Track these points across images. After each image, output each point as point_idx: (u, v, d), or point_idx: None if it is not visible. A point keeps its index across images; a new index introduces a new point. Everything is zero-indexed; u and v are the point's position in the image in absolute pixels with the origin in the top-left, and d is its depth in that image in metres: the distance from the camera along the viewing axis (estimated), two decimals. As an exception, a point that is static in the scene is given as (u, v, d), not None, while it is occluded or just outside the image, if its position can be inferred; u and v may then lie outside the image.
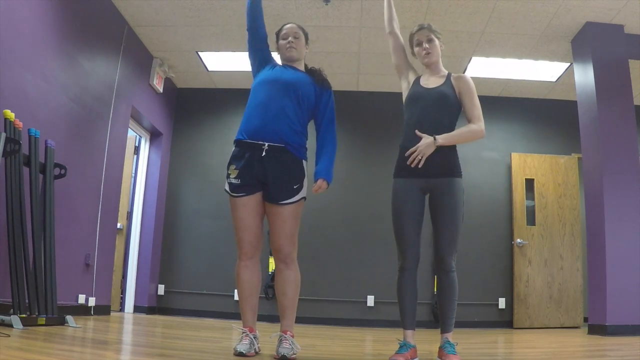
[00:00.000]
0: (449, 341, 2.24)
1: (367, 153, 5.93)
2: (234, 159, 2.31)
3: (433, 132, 2.27)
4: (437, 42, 2.44)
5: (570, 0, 4.19)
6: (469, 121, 2.38)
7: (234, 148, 2.34)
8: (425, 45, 2.42)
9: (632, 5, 4.22)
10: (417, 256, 2.32)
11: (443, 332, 2.29)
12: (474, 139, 2.37)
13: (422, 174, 2.28)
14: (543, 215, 5.65)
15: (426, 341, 3.40)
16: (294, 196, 2.29)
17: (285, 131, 2.28)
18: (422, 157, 2.25)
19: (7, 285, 2.94)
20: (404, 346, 2.23)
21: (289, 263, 2.33)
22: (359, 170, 5.84)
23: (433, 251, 2.34)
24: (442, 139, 2.26)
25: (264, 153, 2.25)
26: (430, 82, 2.43)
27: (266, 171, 2.25)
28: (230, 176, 2.29)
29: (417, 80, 2.47)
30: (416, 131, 2.27)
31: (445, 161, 2.29)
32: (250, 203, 2.29)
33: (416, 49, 2.47)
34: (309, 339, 3.36)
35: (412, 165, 2.27)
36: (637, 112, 4.64)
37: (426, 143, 2.24)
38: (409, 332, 2.29)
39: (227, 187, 2.32)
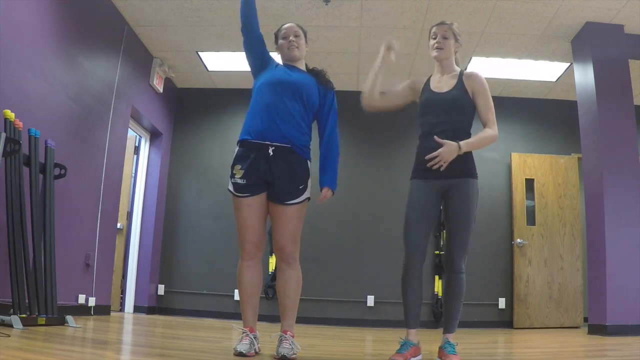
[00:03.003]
0: (449, 341, 2.24)
1: (367, 153, 5.92)
2: (238, 159, 2.31)
3: (453, 138, 2.24)
4: (452, 41, 2.40)
5: (570, 0, 4.19)
6: (484, 125, 2.36)
7: (237, 148, 2.34)
8: (439, 39, 2.40)
9: (632, 5, 4.22)
10: (424, 254, 2.31)
11: (445, 332, 2.29)
12: (490, 144, 2.38)
13: (440, 175, 2.26)
14: (543, 215, 5.65)
15: (426, 341, 3.39)
16: (299, 196, 2.30)
17: (291, 132, 2.29)
18: (444, 163, 2.22)
19: (7, 285, 2.94)
20: (404, 345, 2.23)
21: (291, 263, 2.33)
22: (359, 171, 5.83)
23: (444, 252, 2.33)
24: (466, 145, 2.24)
25: (271, 153, 2.25)
26: (442, 83, 2.40)
27: (272, 171, 2.26)
28: (236, 176, 2.29)
29: (428, 83, 2.45)
30: (435, 137, 2.24)
31: (463, 162, 2.28)
32: (254, 203, 2.29)
33: (430, 42, 2.44)
34: (309, 339, 3.36)
35: (434, 169, 2.24)
36: (637, 112, 4.64)
37: (449, 150, 2.21)
38: (412, 331, 2.29)
39: (230, 187, 2.32)
